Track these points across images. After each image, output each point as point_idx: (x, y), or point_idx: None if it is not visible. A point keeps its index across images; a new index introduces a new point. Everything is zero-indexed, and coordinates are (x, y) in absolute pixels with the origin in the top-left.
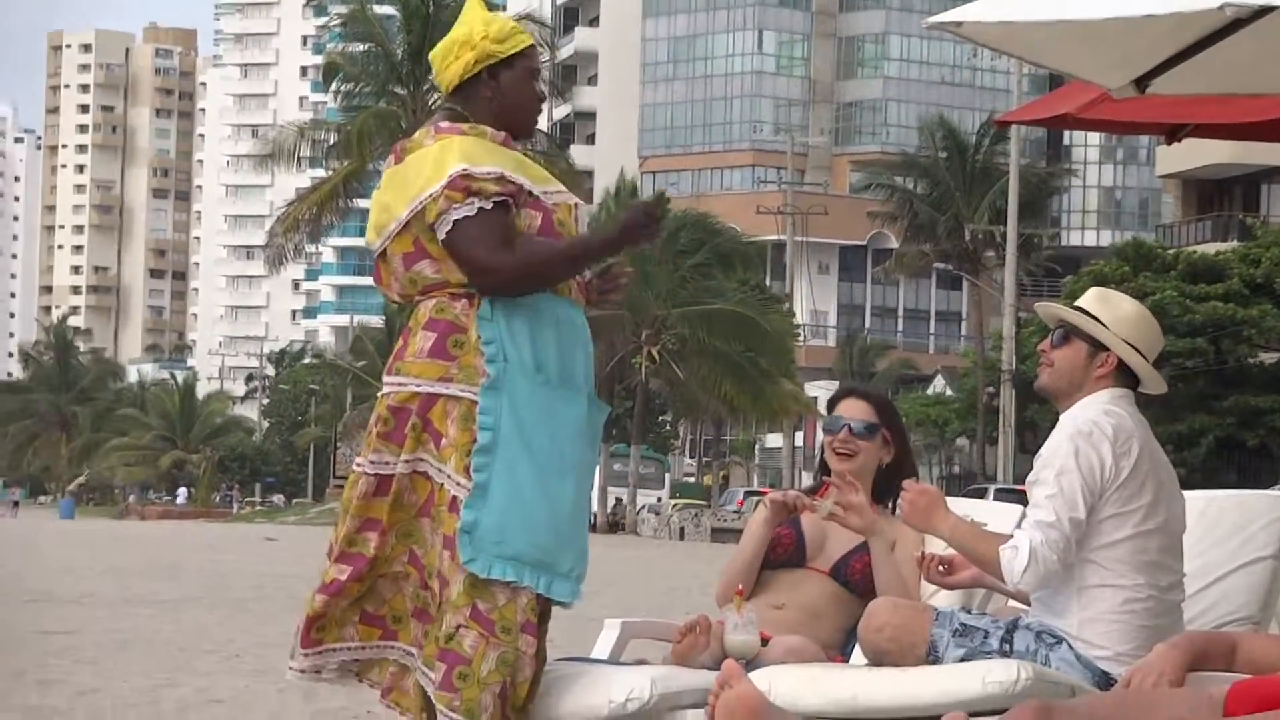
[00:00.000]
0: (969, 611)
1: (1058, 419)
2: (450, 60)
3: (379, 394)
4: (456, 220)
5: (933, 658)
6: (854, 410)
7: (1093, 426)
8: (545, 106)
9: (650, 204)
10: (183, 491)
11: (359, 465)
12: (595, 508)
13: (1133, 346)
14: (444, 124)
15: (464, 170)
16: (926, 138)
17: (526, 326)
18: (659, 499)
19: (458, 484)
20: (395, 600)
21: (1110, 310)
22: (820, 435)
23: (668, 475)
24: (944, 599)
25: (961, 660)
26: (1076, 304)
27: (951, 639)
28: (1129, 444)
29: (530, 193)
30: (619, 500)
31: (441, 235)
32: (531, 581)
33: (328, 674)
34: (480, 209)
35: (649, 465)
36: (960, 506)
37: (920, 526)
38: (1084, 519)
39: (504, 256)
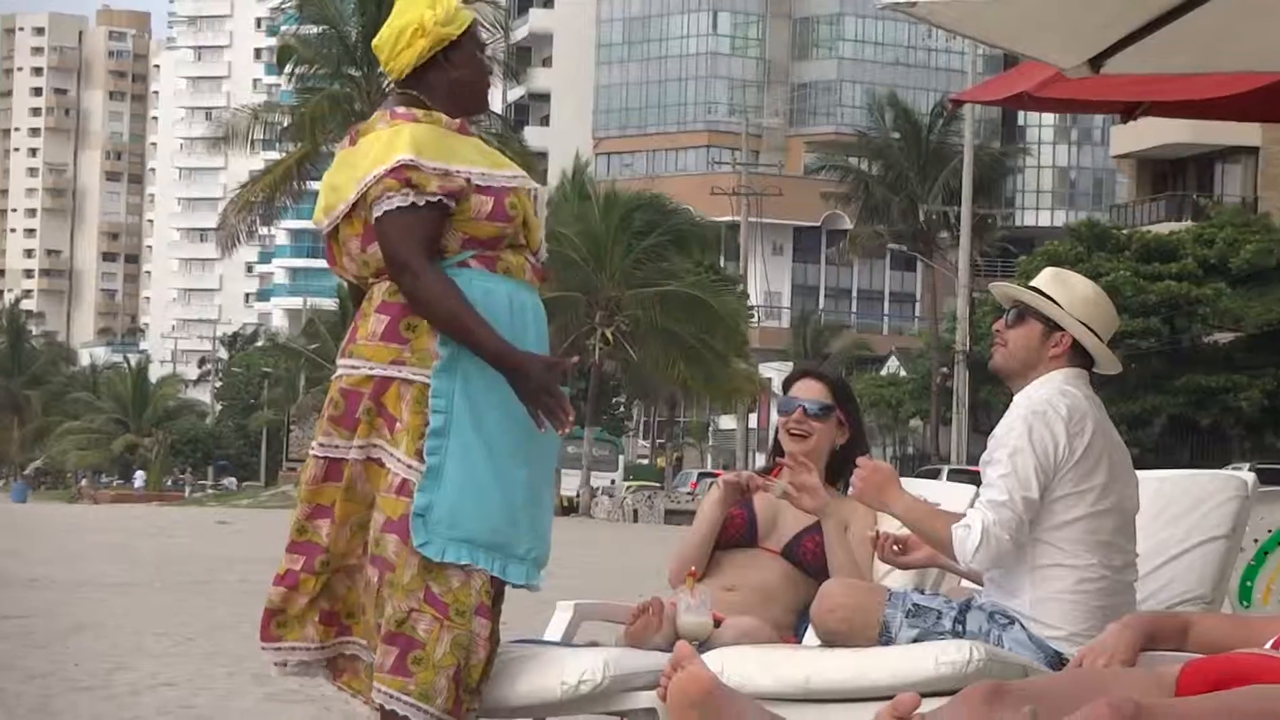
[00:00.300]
0: (922, 592)
1: (1011, 400)
2: (402, 48)
3: (332, 376)
4: (387, 209)
5: (885, 639)
6: (809, 391)
7: (1047, 406)
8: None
9: (556, 373)
10: (139, 475)
11: (311, 449)
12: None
13: (1087, 327)
14: (399, 109)
15: (410, 160)
16: (876, 117)
17: (480, 308)
18: (612, 481)
19: (408, 467)
20: (349, 595)
21: (1065, 290)
22: (774, 416)
23: (621, 458)
24: (897, 580)
25: (914, 641)
26: (1032, 284)
27: (904, 620)
28: (1083, 424)
29: (478, 184)
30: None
31: (372, 219)
32: (486, 564)
33: (291, 669)
34: (413, 203)
35: (603, 448)
36: (914, 487)
37: (873, 503)
38: (1037, 499)
39: (423, 263)
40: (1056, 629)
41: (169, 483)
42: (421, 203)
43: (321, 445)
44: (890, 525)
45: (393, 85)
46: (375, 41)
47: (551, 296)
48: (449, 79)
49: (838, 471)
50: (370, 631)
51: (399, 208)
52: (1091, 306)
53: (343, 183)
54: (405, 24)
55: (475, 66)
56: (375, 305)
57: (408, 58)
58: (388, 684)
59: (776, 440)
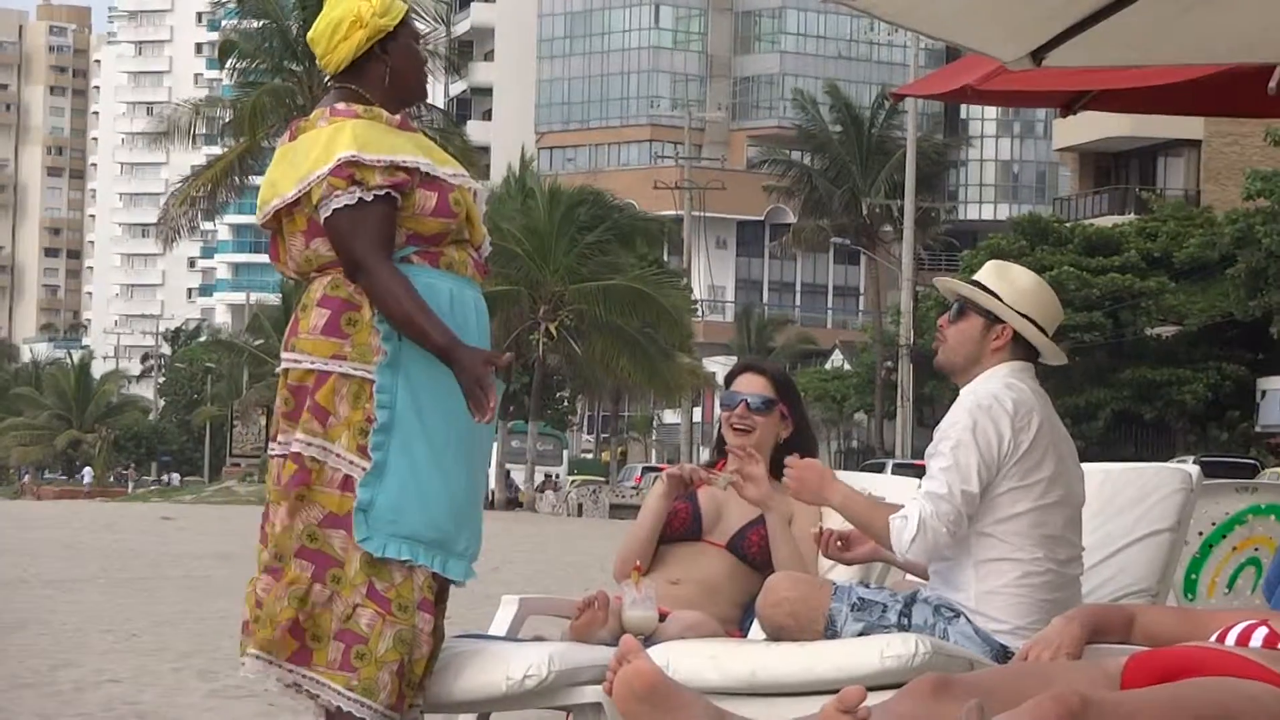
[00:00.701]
0: (867, 586)
1: (956, 392)
2: (339, 40)
3: (277, 370)
4: (336, 208)
5: (831, 632)
6: (751, 385)
7: (993, 400)
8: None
9: (493, 368)
10: (87, 471)
11: (272, 449)
12: (493, 485)
13: (1029, 319)
14: (339, 106)
15: (353, 157)
16: (814, 113)
17: None
18: (557, 475)
19: (350, 462)
20: (321, 615)
21: (1006, 283)
22: (719, 411)
23: (565, 452)
24: (842, 573)
25: (860, 634)
26: (974, 278)
27: (850, 613)
28: (1029, 418)
29: (426, 174)
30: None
31: (321, 219)
32: (427, 561)
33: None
34: (360, 199)
35: (546, 442)
36: (858, 481)
37: (811, 500)
38: (977, 493)
39: (378, 259)
40: (1001, 622)
41: (111, 478)
42: (369, 198)
43: (281, 444)
44: (835, 520)
45: (331, 80)
46: (311, 34)
47: (495, 291)
48: (386, 70)
49: (782, 465)
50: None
51: (346, 205)
52: (1033, 298)
53: (280, 178)
54: (341, 16)
55: (412, 57)
56: (316, 300)
57: (345, 50)
58: (331, 679)
59: (720, 435)
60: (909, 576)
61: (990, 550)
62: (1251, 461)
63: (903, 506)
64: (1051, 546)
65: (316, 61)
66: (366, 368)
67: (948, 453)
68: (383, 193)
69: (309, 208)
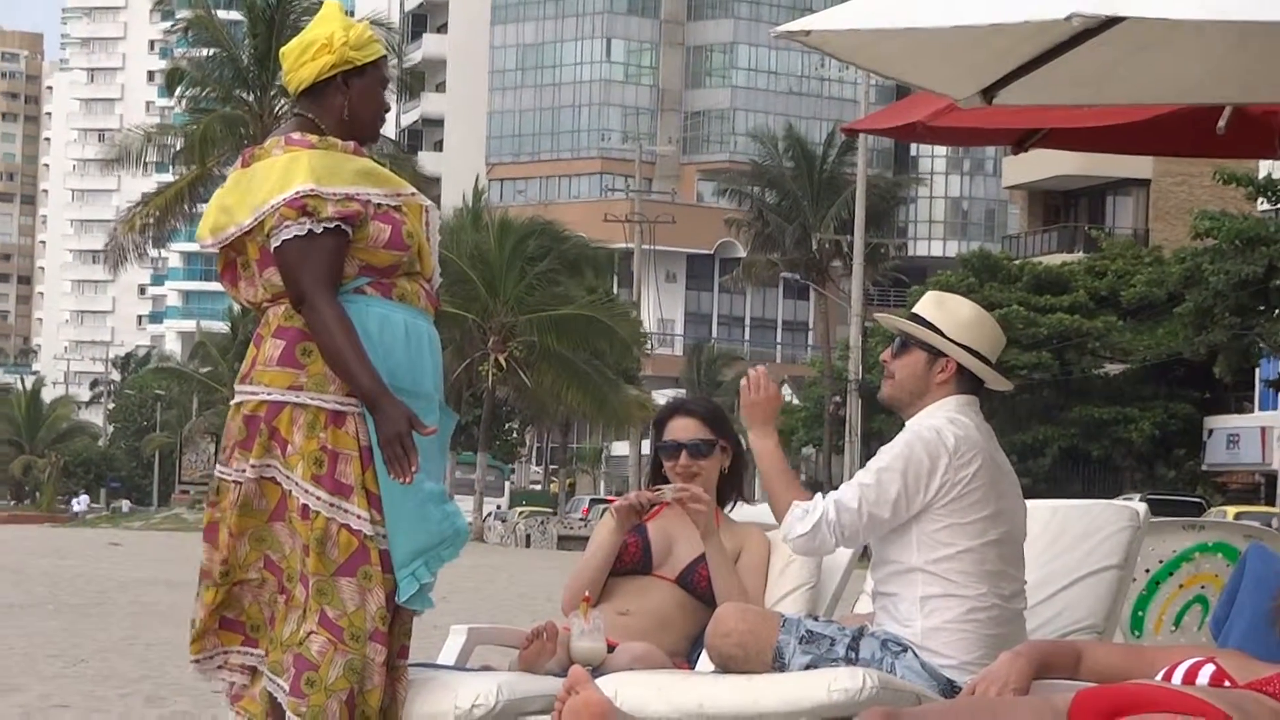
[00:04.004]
0: (816, 618)
1: (903, 428)
2: (305, 60)
3: (233, 402)
4: (285, 238)
5: (779, 664)
6: (686, 430)
7: (935, 435)
8: (393, 112)
9: (408, 443)
10: (84, 499)
11: (226, 474)
12: None
13: (970, 350)
14: (295, 135)
15: (311, 190)
16: (769, 147)
17: (377, 335)
18: (498, 506)
19: (305, 491)
20: (251, 608)
21: (946, 315)
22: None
23: (507, 483)
24: (790, 606)
25: (807, 667)
26: (914, 310)
27: (798, 645)
28: (969, 455)
29: (379, 205)
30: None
31: (271, 248)
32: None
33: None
34: (310, 231)
35: (489, 473)
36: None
37: (750, 423)
38: (886, 519)
39: (322, 292)
40: (948, 658)
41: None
42: (319, 230)
43: (236, 470)
44: (783, 554)
45: (287, 106)
46: (283, 49)
47: (445, 319)
48: (344, 103)
49: (727, 494)
50: (277, 645)
51: (296, 236)
52: (974, 329)
53: (235, 204)
54: (314, 38)
55: (372, 99)
56: (272, 330)
57: (308, 71)
58: (285, 704)
59: (653, 467)
60: (857, 609)
61: (934, 586)
62: (1197, 500)
63: (811, 496)
64: (995, 581)
65: (272, 90)
66: (322, 397)
67: (873, 471)
68: (333, 225)
69: (261, 236)
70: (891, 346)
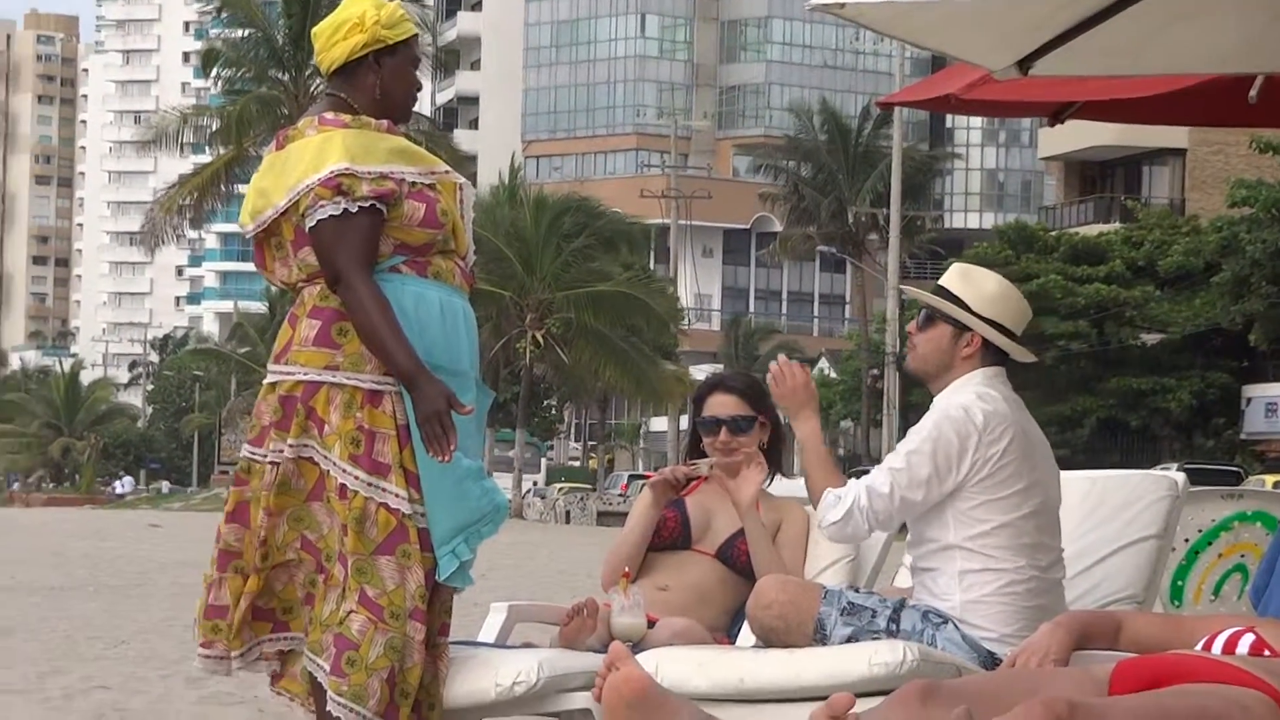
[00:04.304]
0: (857, 590)
1: None
2: (337, 39)
3: (266, 382)
4: (320, 218)
5: (820, 636)
6: (725, 406)
7: (963, 413)
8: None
9: (446, 422)
10: (128, 481)
11: (257, 455)
12: None
13: (996, 324)
14: (328, 115)
15: (345, 169)
16: (805, 121)
17: (413, 313)
18: (535, 483)
19: (343, 471)
20: (285, 591)
21: (972, 289)
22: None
23: (544, 460)
24: (830, 578)
25: (848, 639)
26: (939, 283)
27: (839, 617)
28: (999, 430)
29: (414, 184)
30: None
31: (307, 228)
32: (458, 562)
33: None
34: (345, 210)
35: (525, 450)
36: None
37: (789, 412)
38: (919, 502)
39: (358, 271)
40: (988, 630)
41: (102, 488)
42: (354, 209)
43: (273, 451)
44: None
45: (322, 85)
46: (315, 29)
47: (481, 297)
48: (376, 82)
49: (765, 469)
50: (317, 624)
51: (331, 215)
52: (999, 302)
53: (271, 187)
54: (346, 17)
55: (404, 78)
56: (307, 310)
57: (340, 51)
58: (326, 684)
59: (691, 442)
60: (897, 582)
61: (972, 562)
62: (1235, 469)
63: (845, 481)
64: (1032, 554)
65: (307, 70)
66: (359, 377)
67: (903, 455)
68: (368, 204)
69: (296, 216)
70: (917, 319)
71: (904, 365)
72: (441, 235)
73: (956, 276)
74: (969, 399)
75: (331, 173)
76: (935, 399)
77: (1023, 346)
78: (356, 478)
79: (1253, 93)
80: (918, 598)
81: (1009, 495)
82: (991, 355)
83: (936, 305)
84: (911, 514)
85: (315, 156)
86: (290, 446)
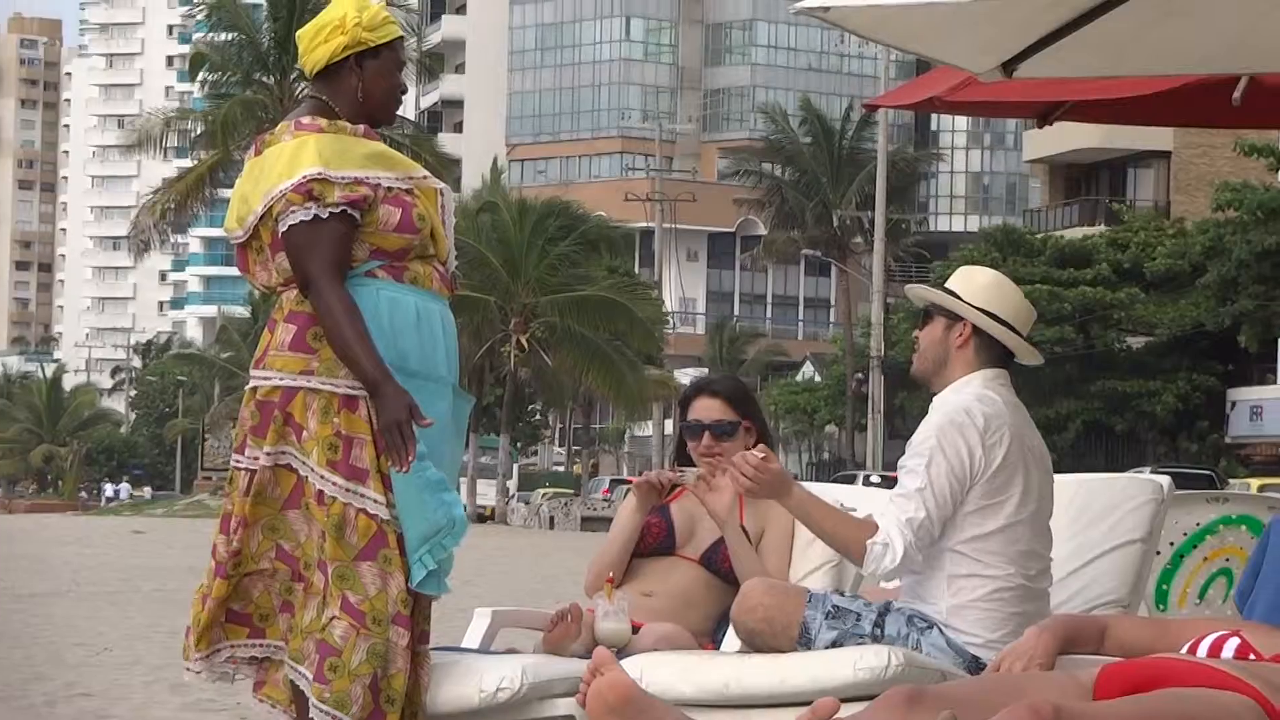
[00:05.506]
0: (842, 594)
1: (927, 404)
2: (319, 42)
3: (247, 388)
4: (292, 224)
5: (805, 639)
6: (710, 410)
7: (964, 415)
8: (412, 94)
9: (406, 431)
10: (125, 487)
11: (241, 462)
12: (464, 498)
13: (989, 314)
14: (305, 119)
15: (319, 174)
16: (782, 124)
17: (387, 319)
18: (508, 490)
19: (321, 477)
20: (261, 598)
21: (965, 281)
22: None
23: (515, 465)
24: (816, 582)
25: (833, 642)
26: (941, 284)
27: (824, 621)
28: (999, 433)
29: (390, 189)
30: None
31: (279, 232)
32: (426, 570)
33: (211, 674)
34: (316, 216)
35: (495, 455)
36: (830, 493)
37: (769, 497)
38: (951, 512)
39: (328, 277)
40: (974, 635)
41: (84, 495)
42: (325, 215)
43: (250, 458)
44: (804, 537)
45: (306, 89)
46: (299, 31)
47: (464, 301)
48: (357, 85)
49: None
50: (298, 632)
51: (302, 221)
52: (992, 291)
53: (250, 192)
54: (329, 19)
55: (386, 80)
56: (284, 315)
57: (322, 53)
58: (308, 691)
59: (678, 448)
60: (882, 584)
61: (961, 566)
62: (1208, 472)
63: (872, 523)
64: (1023, 562)
65: (292, 74)
66: (334, 382)
67: (922, 471)
68: (339, 210)
69: (270, 222)
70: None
71: (911, 371)
72: (418, 240)
73: (957, 274)
74: (969, 400)
75: (304, 178)
76: (935, 398)
77: (1027, 344)
78: (334, 484)
79: (1237, 94)
80: (904, 600)
81: (1005, 499)
82: (992, 354)
83: (931, 298)
84: (945, 524)
85: (289, 162)
86: (267, 454)
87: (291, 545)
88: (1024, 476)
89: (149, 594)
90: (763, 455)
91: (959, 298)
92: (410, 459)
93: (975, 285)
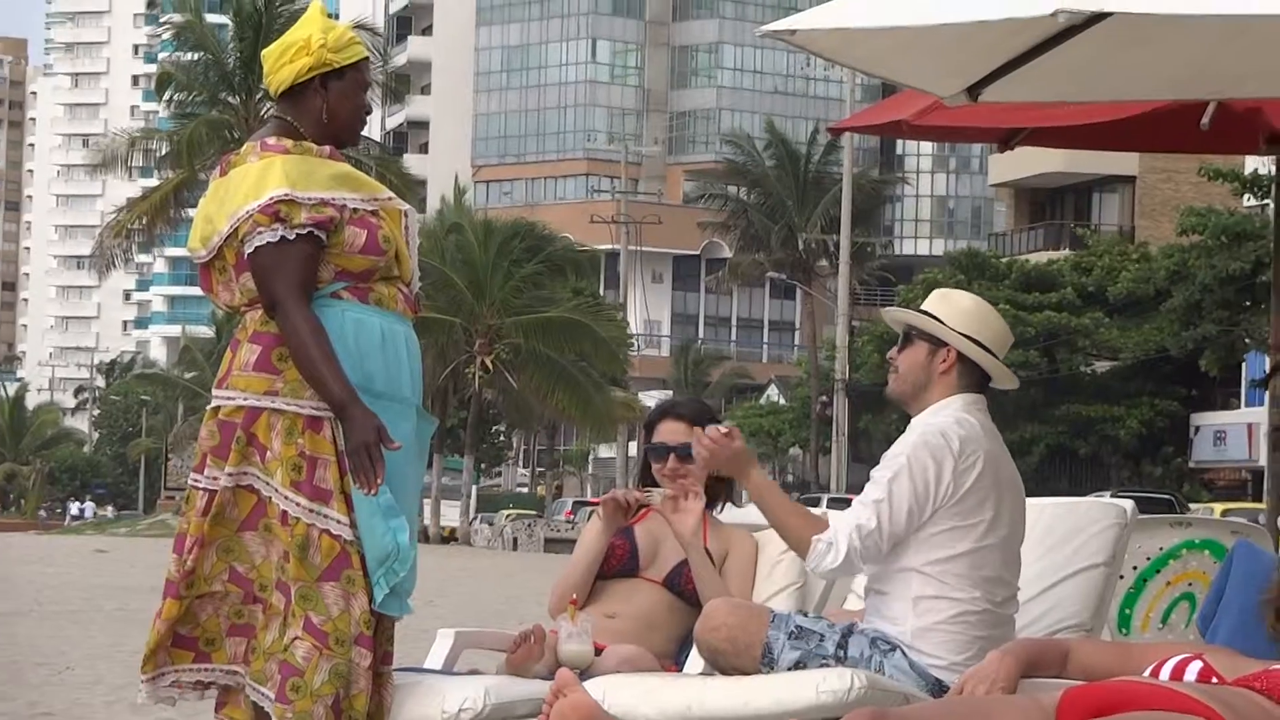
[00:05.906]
0: (805, 614)
1: (892, 428)
2: (284, 62)
3: (209, 407)
4: (258, 245)
5: (768, 659)
6: (674, 434)
7: (940, 438)
8: (378, 114)
9: (375, 454)
10: (90, 506)
11: (195, 480)
12: (427, 519)
13: (972, 339)
14: (270, 140)
15: (285, 195)
16: (748, 147)
17: (353, 340)
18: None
19: (285, 498)
20: (209, 622)
21: (947, 306)
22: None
23: (474, 487)
24: (779, 605)
25: (796, 663)
26: (920, 306)
27: (787, 641)
28: (973, 458)
29: (355, 210)
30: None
31: (245, 253)
32: (381, 594)
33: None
34: (283, 237)
35: (455, 478)
36: None
37: (725, 471)
38: (904, 532)
39: (294, 298)
40: (937, 658)
41: (43, 513)
42: (291, 236)
43: (209, 478)
44: (773, 551)
45: (271, 109)
46: (265, 51)
47: (429, 324)
48: (322, 105)
49: (714, 497)
50: (260, 653)
51: (269, 242)
52: (974, 318)
53: (215, 213)
54: (293, 40)
55: (350, 101)
56: (248, 335)
57: (286, 73)
58: (271, 711)
59: (642, 470)
60: (846, 606)
61: (927, 588)
62: (1167, 497)
63: (824, 521)
64: (989, 587)
65: (258, 94)
66: (299, 403)
67: (884, 484)
68: (305, 231)
69: (236, 242)
70: (898, 344)
71: (887, 391)
72: (383, 262)
73: (935, 297)
74: (946, 423)
75: (271, 199)
76: (913, 420)
77: (1005, 368)
78: (298, 504)
79: (1205, 119)
80: (868, 620)
81: (974, 524)
82: (971, 379)
83: (914, 322)
84: (896, 542)
85: (256, 183)
86: (229, 475)
87: (246, 567)
88: (995, 502)
89: (111, 613)
90: (726, 431)
91: (942, 322)
92: (379, 481)
93: (958, 310)
